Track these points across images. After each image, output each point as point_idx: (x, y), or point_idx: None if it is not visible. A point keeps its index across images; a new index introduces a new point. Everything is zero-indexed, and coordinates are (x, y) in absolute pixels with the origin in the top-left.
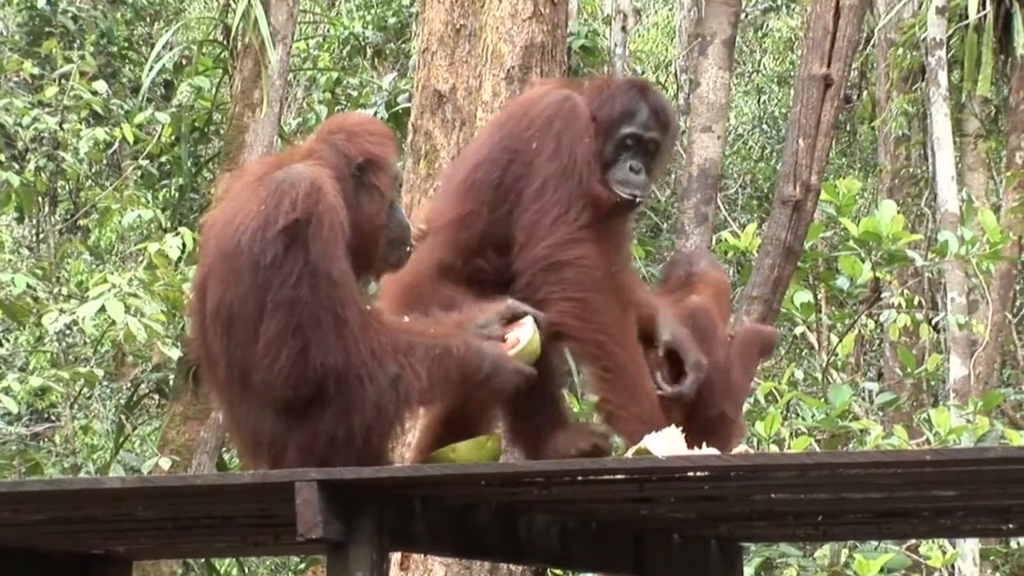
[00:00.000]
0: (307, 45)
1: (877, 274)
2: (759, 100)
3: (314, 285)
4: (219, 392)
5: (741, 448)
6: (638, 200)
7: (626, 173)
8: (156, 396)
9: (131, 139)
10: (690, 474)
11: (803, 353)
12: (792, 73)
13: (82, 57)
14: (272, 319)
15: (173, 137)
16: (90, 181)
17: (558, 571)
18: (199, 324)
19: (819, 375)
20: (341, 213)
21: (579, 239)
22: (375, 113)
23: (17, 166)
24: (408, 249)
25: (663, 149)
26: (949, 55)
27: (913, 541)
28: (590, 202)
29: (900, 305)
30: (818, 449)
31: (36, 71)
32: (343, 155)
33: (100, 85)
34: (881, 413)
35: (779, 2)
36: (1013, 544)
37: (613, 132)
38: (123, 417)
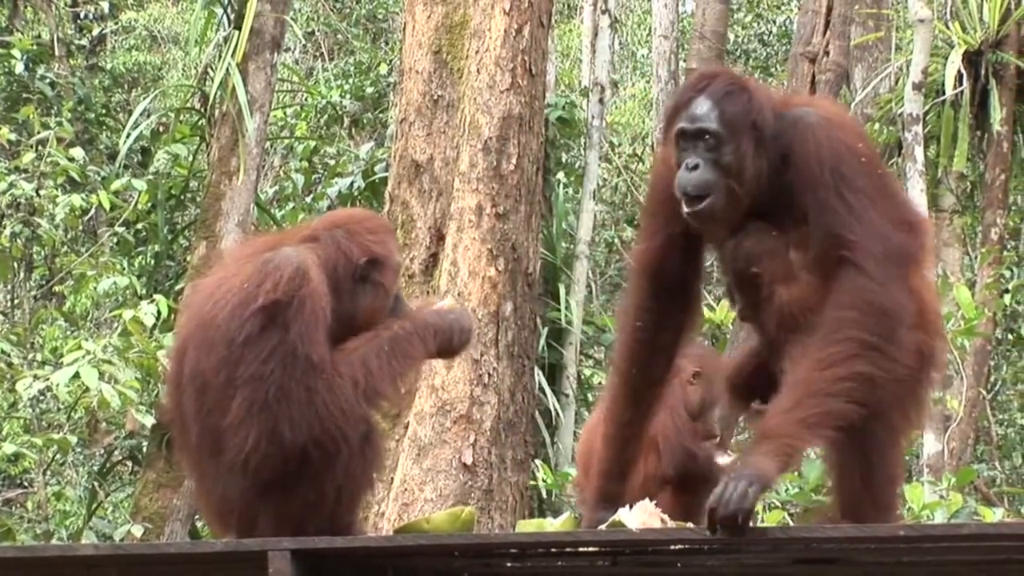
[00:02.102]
0: (284, 114)
1: None
2: None
3: (290, 364)
4: (190, 457)
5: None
6: (688, 196)
7: (679, 174)
8: (129, 463)
9: (107, 206)
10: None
11: None
12: None
13: (59, 123)
14: (240, 395)
15: (149, 204)
16: (66, 247)
17: None
18: (175, 388)
19: None
20: (324, 300)
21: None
22: (352, 183)
23: None
24: None
25: (725, 139)
26: (925, 130)
27: None
28: (653, 227)
29: None
30: (792, 523)
31: (13, 137)
32: (344, 253)
33: (77, 151)
34: None
35: (756, 76)
36: None
37: (669, 133)
38: (96, 484)
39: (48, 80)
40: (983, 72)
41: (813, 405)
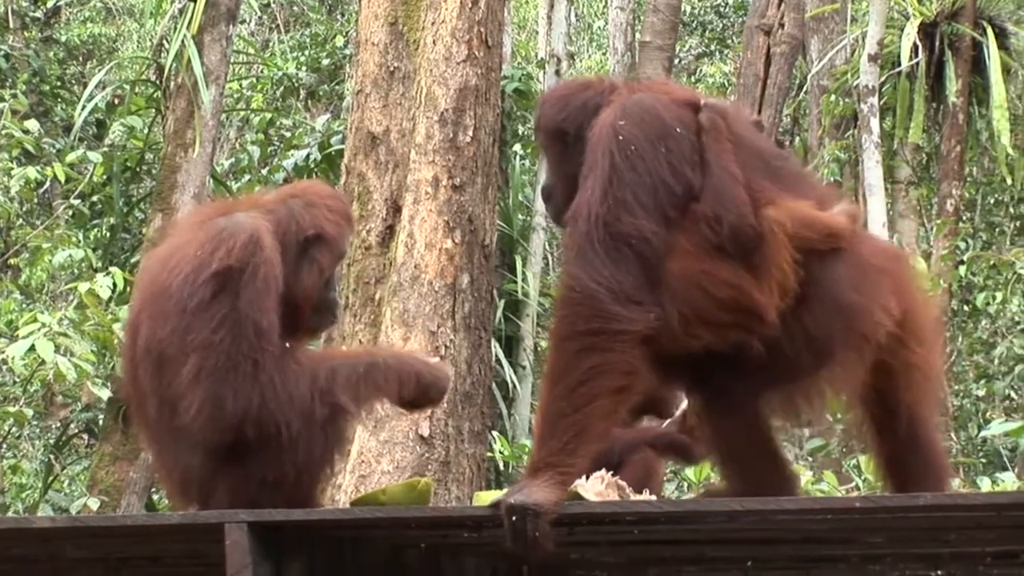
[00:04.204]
0: (240, 86)
1: None
2: None
3: (237, 332)
4: (148, 431)
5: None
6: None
7: None
8: (85, 436)
9: (63, 178)
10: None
11: None
12: None
13: (14, 95)
14: (190, 362)
15: (105, 176)
16: (21, 220)
17: None
18: (130, 361)
19: None
20: (277, 268)
21: None
22: (308, 155)
23: None
24: (331, 322)
25: (547, 148)
26: (881, 102)
27: None
28: None
29: None
30: None
31: None
32: (296, 221)
33: (32, 124)
34: (811, 459)
35: (712, 48)
36: None
37: None
38: (52, 457)
39: (2, 52)
40: (938, 44)
41: (564, 429)
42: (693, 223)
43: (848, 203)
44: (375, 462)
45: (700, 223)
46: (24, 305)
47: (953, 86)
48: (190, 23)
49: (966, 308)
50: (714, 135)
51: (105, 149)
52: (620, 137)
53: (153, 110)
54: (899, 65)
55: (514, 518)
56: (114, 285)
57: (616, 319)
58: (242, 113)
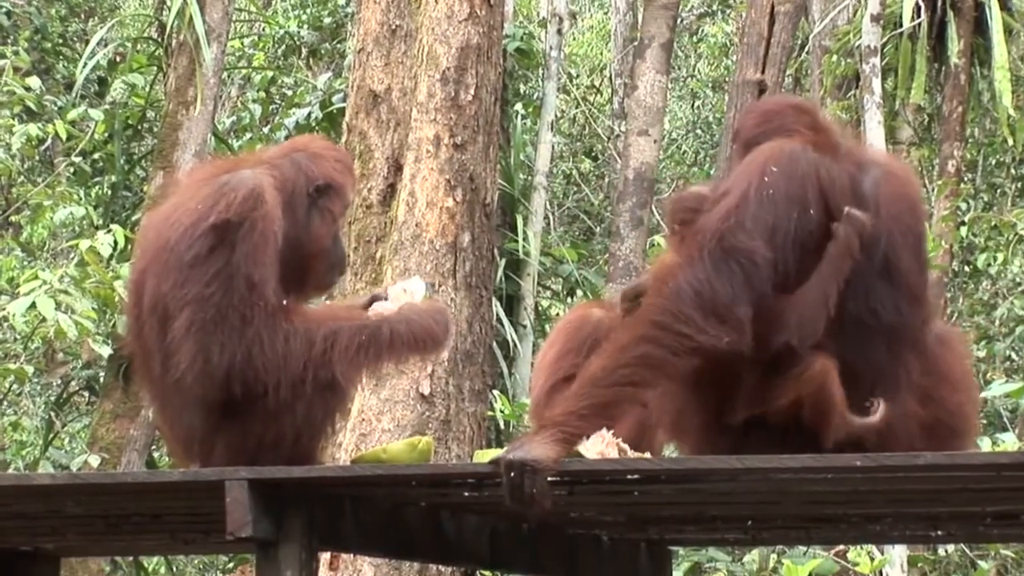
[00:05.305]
0: (242, 44)
1: None
2: (693, 105)
3: (229, 286)
4: (152, 387)
5: None
6: None
7: None
8: (86, 393)
9: (64, 135)
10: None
11: None
12: (727, 78)
13: (16, 53)
14: (182, 315)
15: (106, 134)
16: (22, 177)
17: (487, 573)
18: (135, 318)
19: None
20: (277, 223)
21: None
22: (309, 113)
23: None
24: (340, 275)
25: (737, 153)
26: (883, 63)
27: (841, 547)
28: None
29: None
30: None
31: None
32: (304, 173)
33: (34, 81)
34: None
35: (715, 7)
36: (941, 551)
37: None
38: (53, 414)
39: (4, 9)
40: (940, 4)
41: (589, 396)
42: (770, 306)
43: (889, 406)
44: (375, 420)
45: (772, 312)
46: (25, 262)
47: (955, 47)
48: None
49: (967, 269)
50: (840, 248)
51: (107, 107)
52: (766, 178)
53: (155, 68)
54: (901, 25)
55: (512, 474)
56: (115, 242)
57: (687, 323)
58: (244, 71)
